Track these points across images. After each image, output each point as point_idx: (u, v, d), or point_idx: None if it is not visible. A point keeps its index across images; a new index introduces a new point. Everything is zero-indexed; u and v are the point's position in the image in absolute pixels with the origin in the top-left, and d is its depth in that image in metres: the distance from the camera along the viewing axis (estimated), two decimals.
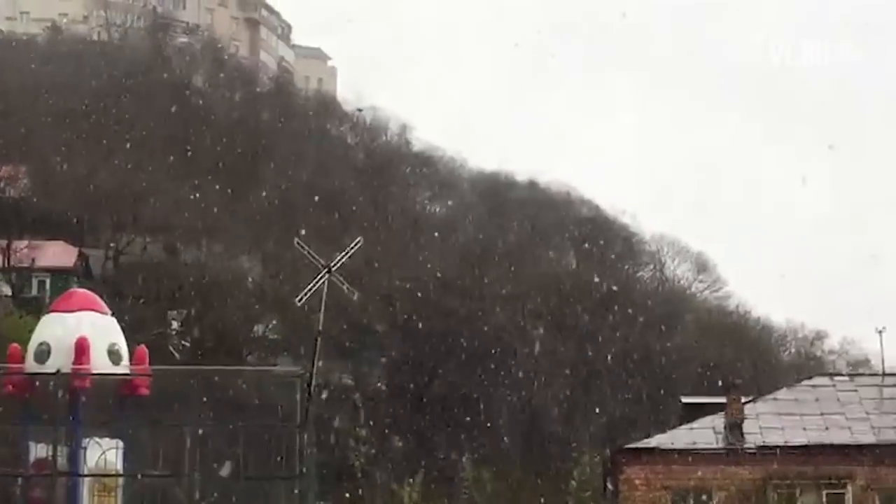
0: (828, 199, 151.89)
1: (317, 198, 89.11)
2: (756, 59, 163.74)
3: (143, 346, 22.75)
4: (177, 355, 71.78)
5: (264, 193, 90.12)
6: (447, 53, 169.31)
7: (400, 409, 78.51)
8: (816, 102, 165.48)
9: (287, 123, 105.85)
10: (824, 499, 38.91)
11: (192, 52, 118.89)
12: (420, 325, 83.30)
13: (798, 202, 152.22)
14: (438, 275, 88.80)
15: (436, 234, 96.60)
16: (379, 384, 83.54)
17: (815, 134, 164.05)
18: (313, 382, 24.05)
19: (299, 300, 27.07)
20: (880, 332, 56.26)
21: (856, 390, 47.12)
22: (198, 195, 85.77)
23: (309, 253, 28.01)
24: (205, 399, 22.89)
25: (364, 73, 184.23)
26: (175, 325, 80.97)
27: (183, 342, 78.49)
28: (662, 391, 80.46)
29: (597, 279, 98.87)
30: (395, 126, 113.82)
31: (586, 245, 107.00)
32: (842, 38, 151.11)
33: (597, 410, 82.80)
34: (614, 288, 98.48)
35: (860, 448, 39.66)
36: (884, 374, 51.01)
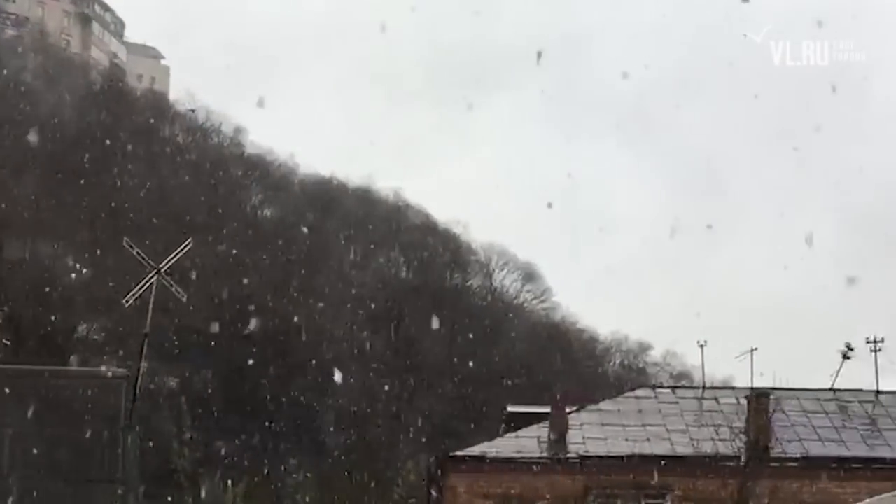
0: (656, 212, 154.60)
1: (147, 198, 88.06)
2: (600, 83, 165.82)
3: None
4: None
5: (93, 192, 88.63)
6: (281, 57, 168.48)
7: (227, 413, 77.91)
8: (646, 115, 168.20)
9: (118, 121, 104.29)
10: None
11: (21, 45, 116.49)
12: (249, 329, 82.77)
13: (627, 216, 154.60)
14: (269, 279, 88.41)
15: (267, 237, 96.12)
16: (206, 388, 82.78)
17: (653, 143, 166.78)
18: (139, 385, 23.78)
19: (126, 301, 26.76)
20: (701, 345, 57.55)
21: (677, 402, 48.03)
22: (23, 191, 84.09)
23: (138, 253, 27.72)
24: (26, 399, 22.44)
25: (197, 74, 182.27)
26: None
27: (4, 340, 76.89)
28: (488, 399, 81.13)
29: (426, 287, 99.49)
30: (228, 128, 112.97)
31: (417, 252, 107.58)
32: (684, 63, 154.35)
33: (424, 416, 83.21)
34: (443, 296, 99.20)
35: (679, 459, 40.41)
36: (704, 387, 52.11)
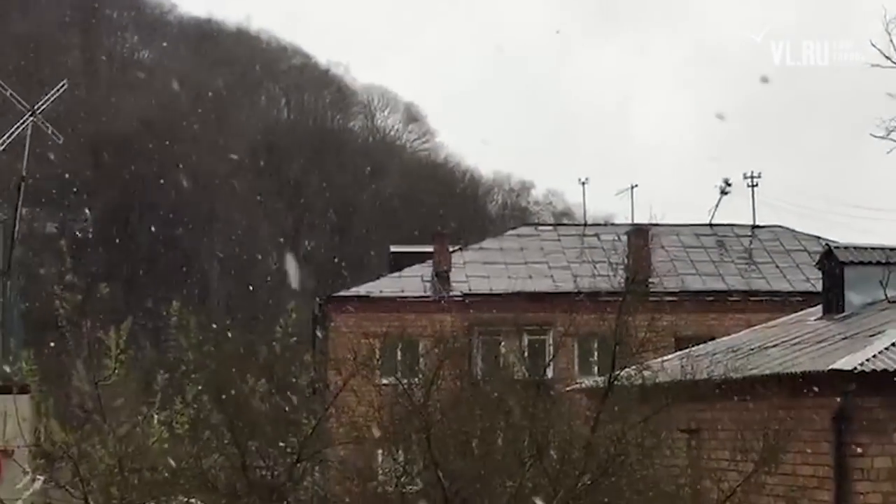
0: (536, 53, 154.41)
1: (19, 41, 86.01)
2: None
3: None
4: None
5: None
6: None
7: (108, 257, 77.37)
8: None
9: None
10: (526, 344, 40.12)
11: None
12: (128, 172, 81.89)
13: (508, 55, 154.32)
14: (147, 121, 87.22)
15: (143, 79, 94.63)
16: (87, 232, 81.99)
17: None
18: (16, 229, 23.44)
19: (1, 144, 26.27)
20: (583, 183, 58.20)
21: (558, 240, 48.63)
22: None
23: (11, 95, 27.15)
24: None
25: None
26: None
27: None
28: (372, 240, 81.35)
29: (308, 128, 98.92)
30: None
31: (298, 94, 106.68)
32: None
33: (308, 258, 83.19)
34: (325, 137, 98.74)
35: (561, 296, 40.91)
36: (585, 225, 52.73)
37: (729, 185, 52.40)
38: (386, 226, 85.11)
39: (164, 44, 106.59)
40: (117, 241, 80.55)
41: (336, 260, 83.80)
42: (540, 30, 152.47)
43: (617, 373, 15.90)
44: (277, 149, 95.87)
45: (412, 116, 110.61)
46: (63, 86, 27.63)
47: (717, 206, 51.77)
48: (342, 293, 45.29)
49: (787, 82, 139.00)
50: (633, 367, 16.21)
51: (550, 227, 52.60)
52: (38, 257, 53.01)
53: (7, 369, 20.36)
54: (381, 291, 43.82)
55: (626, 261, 37.56)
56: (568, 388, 26.33)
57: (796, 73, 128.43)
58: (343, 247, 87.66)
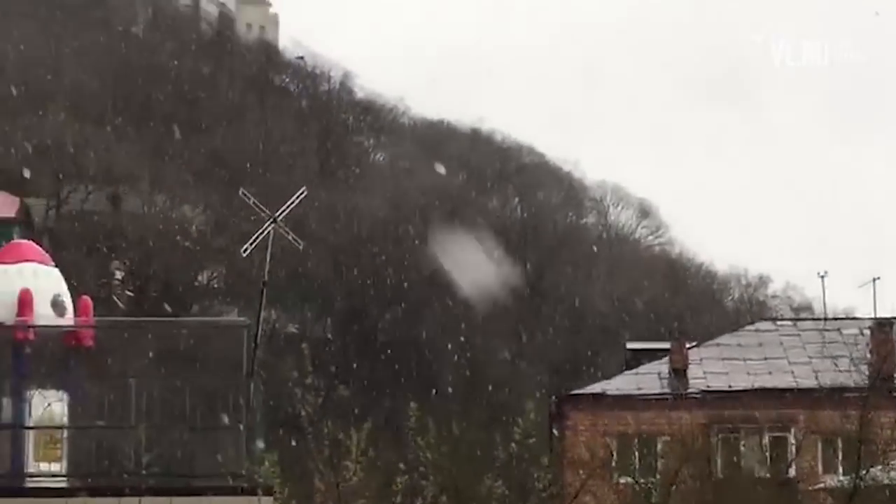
0: (770, 144, 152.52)
1: (260, 147, 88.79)
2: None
3: (86, 297, 22.53)
4: (121, 305, 71.48)
5: (206, 143, 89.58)
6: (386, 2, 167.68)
7: (346, 358, 78.62)
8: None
9: (228, 71, 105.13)
10: (767, 442, 39.28)
11: None
12: (365, 274, 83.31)
13: (741, 148, 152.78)
14: (383, 223, 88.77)
15: (378, 181, 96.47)
16: (325, 332, 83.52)
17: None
18: (259, 332, 24.02)
19: (245, 250, 27.02)
20: (822, 276, 56.90)
21: (798, 335, 47.58)
22: (140, 145, 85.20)
23: (254, 203, 27.98)
24: (150, 350, 22.73)
25: (306, 20, 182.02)
26: (118, 275, 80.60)
27: (127, 292, 78.14)
28: (607, 337, 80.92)
29: (542, 227, 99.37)
30: (337, 73, 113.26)
31: (530, 193, 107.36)
32: None
33: (543, 355, 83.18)
34: (559, 235, 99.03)
35: (802, 392, 40.01)
36: (825, 319, 51.50)
37: None
38: (621, 322, 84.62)
39: (399, 145, 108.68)
40: (355, 341, 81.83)
41: (572, 357, 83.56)
42: (775, 121, 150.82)
43: (863, 472, 15.46)
44: (511, 247, 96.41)
45: (645, 211, 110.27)
46: (302, 193, 28.57)
47: None
48: (578, 391, 45.10)
49: None
50: (880, 466, 15.75)
51: (790, 322, 51.58)
52: (280, 359, 54.30)
53: (252, 471, 20.75)
54: (617, 389, 43.48)
55: (869, 356, 36.59)
56: (812, 488, 25.66)
57: None
58: (578, 344, 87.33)
